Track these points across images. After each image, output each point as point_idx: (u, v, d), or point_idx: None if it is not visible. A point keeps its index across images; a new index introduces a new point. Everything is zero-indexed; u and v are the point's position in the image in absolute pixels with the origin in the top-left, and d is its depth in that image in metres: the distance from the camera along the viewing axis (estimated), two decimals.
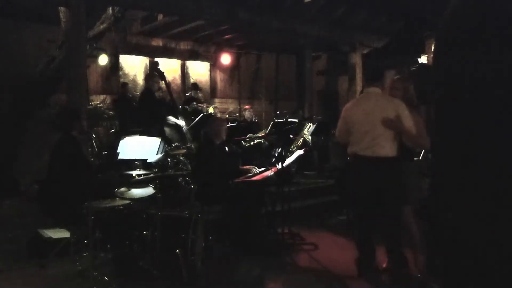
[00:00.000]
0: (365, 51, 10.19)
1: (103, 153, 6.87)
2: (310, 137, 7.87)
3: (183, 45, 10.79)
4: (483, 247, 1.36)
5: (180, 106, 8.16)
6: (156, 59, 8.87)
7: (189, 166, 5.17)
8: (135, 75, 10.10)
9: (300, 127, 8.05)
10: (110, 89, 9.71)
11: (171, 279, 3.83)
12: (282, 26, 8.45)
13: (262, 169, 5.17)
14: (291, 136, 7.91)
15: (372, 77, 4.10)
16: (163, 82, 6.45)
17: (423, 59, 9.56)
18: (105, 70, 9.65)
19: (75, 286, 3.82)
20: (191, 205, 4.34)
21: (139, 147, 5.03)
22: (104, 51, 8.87)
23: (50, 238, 4.47)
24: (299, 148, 7.25)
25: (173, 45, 10.61)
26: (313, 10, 8.31)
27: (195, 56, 11.10)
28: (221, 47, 11.15)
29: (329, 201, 6.75)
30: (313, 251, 4.83)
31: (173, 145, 5.75)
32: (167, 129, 6.49)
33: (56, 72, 7.26)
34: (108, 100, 9.41)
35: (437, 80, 1.49)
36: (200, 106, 8.96)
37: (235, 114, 10.78)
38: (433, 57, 1.78)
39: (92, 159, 5.69)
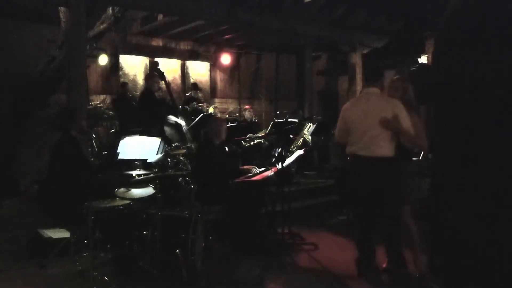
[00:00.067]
0: (365, 51, 10.20)
1: (103, 153, 6.87)
2: (310, 137, 7.88)
3: (183, 45, 10.79)
4: (483, 247, 1.36)
5: (180, 106, 8.16)
6: (156, 59, 8.87)
7: (189, 166, 5.16)
8: (135, 75, 10.10)
9: (300, 127, 8.05)
10: (110, 89, 9.72)
11: (171, 279, 3.84)
12: (282, 26, 8.45)
13: (262, 169, 5.17)
14: (291, 136, 7.91)
15: (371, 77, 4.10)
16: (163, 82, 6.45)
17: (423, 59, 9.56)
18: (105, 70, 9.65)
19: (75, 286, 3.83)
20: (191, 205, 4.34)
21: (139, 147, 5.03)
22: (104, 51, 8.87)
23: (50, 238, 4.48)
24: (299, 148, 7.26)
25: (173, 45, 10.62)
26: (313, 10, 8.32)
27: (195, 56, 11.10)
28: (221, 47, 11.16)
29: (329, 201, 6.76)
30: (313, 251, 4.83)
31: (173, 145, 5.75)
32: (167, 129, 6.49)
33: (56, 72, 7.26)
34: (108, 100, 9.41)
35: (437, 80, 1.49)
36: (200, 106, 8.97)
37: (235, 114, 10.79)
38: (432, 57, 1.77)
39: (92, 159, 5.69)
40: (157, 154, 4.97)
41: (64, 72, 6.70)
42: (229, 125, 7.43)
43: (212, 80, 11.54)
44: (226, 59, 11.10)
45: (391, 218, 3.88)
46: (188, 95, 10.00)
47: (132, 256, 3.95)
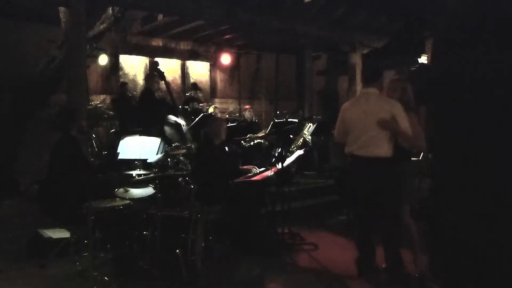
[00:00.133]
0: (365, 51, 10.19)
1: (103, 153, 6.87)
2: (310, 137, 7.87)
3: (183, 45, 10.79)
4: (483, 247, 1.36)
5: (180, 106, 8.16)
6: (156, 59, 8.86)
7: (189, 166, 5.16)
8: (135, 75, 10.10)
9: (300, 127, 8.05)
10: (110, 89, 9.71)
11: (171, 279, 3.83)
12: (282, 26, 8.45)
13: (262, 169, 5.17)
14: (291, 136, 7.91)
15: (371, 78, 4.10)
16: (163, 82, 6.45)
17: (423, 59, 9.55)
18: (105, 70, 9.64)
19: (75, 286, 3.83)
20: (191, 205, 4.34)
21: (139, 147, 5.02)
22: (104, 51, 8.87)
23: (50, 238, 4.48)
24: (299, 148, 7.25)
25: (173, 45, 10.61)
26: (313, 10, 8.31)
27: (195, 56, 11.10)
28: (221, 47, 11.15)
29: (329, 201, 6.76)
30: (313, 251, 4.83)
31: (173, 145, 5.75)
32: (167, 129, 6.49)
33: (56, 72, 7.26)
34: (108, 100, 9.41)
35: (437, 80, 1.49)
36: (200, 105, 8.96)
37: (235, 114, 10.79)
38: (431, 57, 1.77)
39: (92, 159, 5.69)
40: (157, 154, 4.97)
41: (64, 72, 6.69)
42: (229, 125, 7.44)
43: (212, 80, 11.54)
44: (226, 59, 11.10)
45: (391, 218, 3.88)
46: (188, 95, 9.99)
47: (132, 256, 3.95)
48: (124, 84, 9.26)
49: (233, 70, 11.80)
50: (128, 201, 4.09)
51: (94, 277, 3.70)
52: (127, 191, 4.21)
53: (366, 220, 4.05)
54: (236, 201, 4.77)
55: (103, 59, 8.95)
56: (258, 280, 4.13)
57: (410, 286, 3.83)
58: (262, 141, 7.76)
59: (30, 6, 7.38)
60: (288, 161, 5.25)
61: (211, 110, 9.07)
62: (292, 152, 6.14)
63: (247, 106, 9.80)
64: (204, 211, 4.33)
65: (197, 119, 7.52)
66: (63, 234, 4.48)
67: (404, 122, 3.74)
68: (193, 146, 5.66)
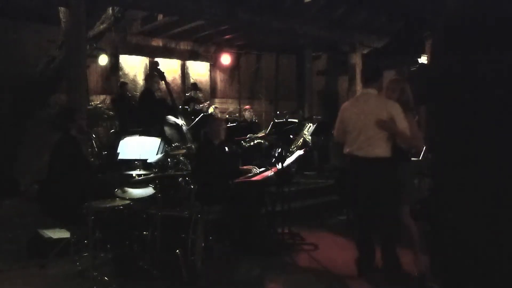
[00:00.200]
0: (365, 51, 10.20)
1: (103, 153, 6.87)
2: (310, 137, 7.87)
3: (183, 45, 10.79)
4: (483, 247, 1.36)
5: (180, 106, 8.16)
6: (156, 59, 8.87)
7: (189, 166, 5.16)
8: (135, 75, 10.10)
9: (300, 127, 8.05)
10: (110, 89, 9.71)
11: (171, 279, 3.83)
12: (282, 26, 8.45)
13: (262, 169, 5.17)
14: (291, 136, 7.91)
15: (371, 78, 4.10)
16: (163, 82, 6.45)
17: (423, 59, 9.56)
18: (105, 70, 9.64)
19: (75, 286, 3.82)
20: (191, 205, 4.34)
21: (139, 147, 5.02)
22: (104, 51, 8.87)
23: (50, 238, 4.48)
24: (299, 148, 7.26)
25: (173, 45, 10.61)
26: (313, 10, 8.31)
27: (195, 56, 11.10)
28: (221, 47, 11.15)
29: (329, 201, 6.75)
30: (313, 251, 4.83)
31: (173, 145, 5.75)
32: (167, 129, 6.49)
33: (56, 72, 7.26)
34: (108, 100, 9.41)
35: (437, 80, 1.49)
36: (200, 106, 8.96)
37: (235, 114, 10.79)
38: (431, 57, 1.77)
39: (92, 159, 5.70)
40: (157, 154, 4.96)
41: (64, 72, 6.70)
42: (229, 125, 7.44)
43: (212, 80, 11.54)
44: (226, 59, 11.10)
45: (390, 218, 3.88)
46: (188, 95, 9.99)
47: (132, 256, 3.95)
48: (124, 84, 9.26)
49: (233, 70, 11.80)
50: (128, 201, 4.09)
51: (94, 277, 3.70)
52: (127, 191, 4.21)
53: (366, 220, 4.05)
54: (236, 201, 4.77)
55: (103, 59, 8.95)
56: (258, 280, 4.12)
57: (410, 286, 3.84)
58: (262, 141, 7.76)
59: (30, 6, 7.38)
60: (288, 161, 5.25)
61: (211, 110, 9.07)
62: (292, 152, 6.14)
63: (247, 106, 9.79)
64: (204, 211, 4.33)
65: (197, 119, 7.52)
66: (63, 234, 4.48)
67: (402, 122, 3.75)
68: (193, 146, 5.67)
